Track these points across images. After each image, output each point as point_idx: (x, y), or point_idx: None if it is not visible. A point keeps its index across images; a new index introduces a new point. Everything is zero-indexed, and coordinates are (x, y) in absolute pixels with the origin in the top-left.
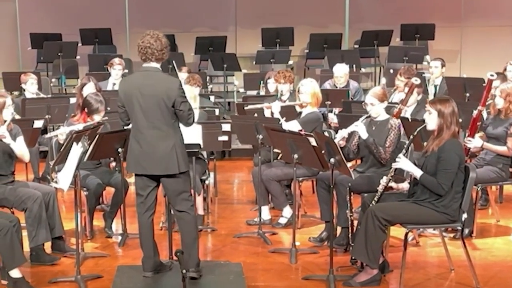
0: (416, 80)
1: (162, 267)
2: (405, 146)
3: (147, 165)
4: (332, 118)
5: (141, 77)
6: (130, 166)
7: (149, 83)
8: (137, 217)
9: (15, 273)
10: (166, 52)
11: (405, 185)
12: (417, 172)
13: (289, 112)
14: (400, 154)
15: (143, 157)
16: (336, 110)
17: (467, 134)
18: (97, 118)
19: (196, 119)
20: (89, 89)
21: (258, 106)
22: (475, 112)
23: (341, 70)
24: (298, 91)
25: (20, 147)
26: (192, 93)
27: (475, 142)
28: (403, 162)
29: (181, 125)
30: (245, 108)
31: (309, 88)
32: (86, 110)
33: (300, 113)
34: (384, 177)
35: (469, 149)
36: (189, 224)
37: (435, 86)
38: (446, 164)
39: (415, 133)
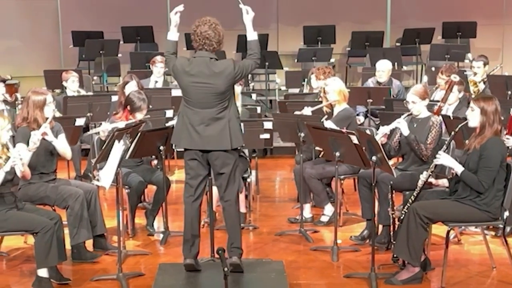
0: (455, 78)
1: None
2: (446, 142)
3: (199, 141)
4: (360, 120)
5: (197, 63)
6: (180, 142)
7: (205, 71)
8: (184, 206)
9: (42, 272)
10: (222, 43)
11: (444, 181)
12: (458, 168)
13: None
14: (440, 151)
15: (195, 134)
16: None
17: (505, 133)
18: (139, 116)
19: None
20: (131, 87)
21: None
22: None
23: (384, 65)
24: (324, 92)
25: (62, 145)
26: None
27: None
28: (443, 158)
29: None
30: None
31: (334, 86)
32: (128, 108)
33: (332, 112)
34: (424, 172)
35: (507, 148)
36: (233, 214)
37: (484, 82)
38: (487, 162)
39: (457, 129)
